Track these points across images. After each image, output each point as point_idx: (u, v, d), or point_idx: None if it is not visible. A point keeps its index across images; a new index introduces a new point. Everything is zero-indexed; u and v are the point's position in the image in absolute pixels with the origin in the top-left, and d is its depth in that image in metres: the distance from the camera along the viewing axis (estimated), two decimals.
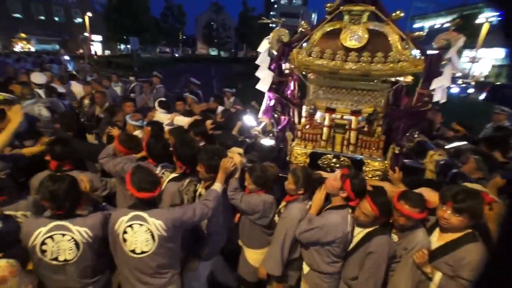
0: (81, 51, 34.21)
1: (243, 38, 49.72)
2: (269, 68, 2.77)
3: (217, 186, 2.42)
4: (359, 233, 2.29)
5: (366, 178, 2.76)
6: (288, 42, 2.77)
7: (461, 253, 1.89)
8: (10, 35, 33.85)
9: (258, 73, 2.81)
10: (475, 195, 1.90)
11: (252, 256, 2.75)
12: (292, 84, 3.14)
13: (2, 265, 1.69)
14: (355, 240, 2.30)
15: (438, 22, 34.33)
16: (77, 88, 6.90)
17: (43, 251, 1.92)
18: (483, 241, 1.90)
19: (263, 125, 3.50)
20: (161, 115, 4.30)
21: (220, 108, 5.31)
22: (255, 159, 3.18)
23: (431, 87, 2.29)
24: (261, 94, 3.09)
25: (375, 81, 2.70)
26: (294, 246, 2.52)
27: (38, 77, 5.90)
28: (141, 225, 1.98)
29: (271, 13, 67.97)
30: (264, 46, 2.83)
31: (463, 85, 22.00)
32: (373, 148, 2.82)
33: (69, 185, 1.96)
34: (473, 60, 26.69)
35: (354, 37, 2.55)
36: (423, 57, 2.37)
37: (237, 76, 23.88)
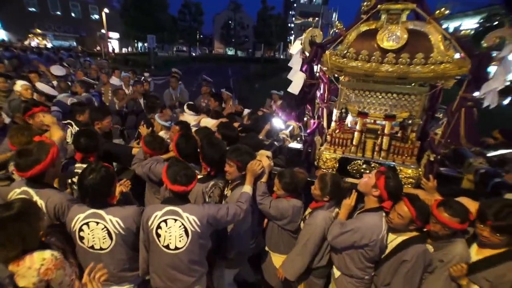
0: (98, 48, 34.40)
1: (261, 37, 49.40)
2: (301, 70, 2.67)
3: (247, 188, 2.38)
4: (393, 240, 2.20)
5: None
6: (321, 43, 2.66)
7: (502, 270, 1.81)
8: (25, 30, 33.11)
9: (290, 76, 2.71)
10: None
11: (279, 261, 2.69)
12: (322, 87, 3.01)
13: (46, 257, 1.66)
14: (389, 247, 2.21)
15: (464, 23, 32.24)
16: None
17: (81, 238, 2.00)
18: None
19: (291, 129, 3.40)
20: (189, 117, 4.38)
21: (246, 111, 5.31)
22: (282, 163, 3.10)
23: (482, 91, 2.11)
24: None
25: (413, 84, 2.55)
26: (320, 253, 2.47)
27: (57, 70, 6.58)
28: (175, 220, 1.98)
29: (290, 12, 67.51)
30: (296, 47, 2.73)
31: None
32: (406, 155, 2.70)
33: (100, 177, 1.97)
34: None
35: (392, 37, 2.42)
36: (469, 58, 2.19)
37: (255, 76, 23.83)
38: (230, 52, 62.97)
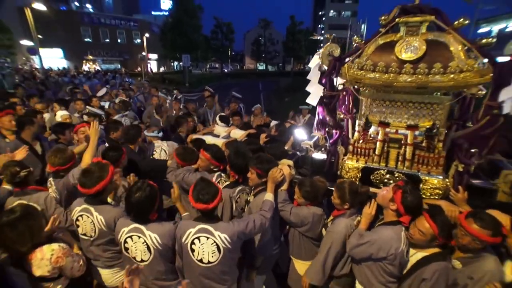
0: (139, 69, 37.32)
1: (290, 52, 50.04)
2: (319, 83, 2.77)
3: (269, 196, 2.47)
4: (414, 255, 2.15)
5: (424, 196, 2.61)
6: (340, 57, 2.75)
7: None
8: (81, 57, 39.54)
9: (308, 88, 2.82)
10: None
11: (301, 267, 2.74)
12: (346, 98, 3.07)
13: (55, 248, 1.96)
14: (410, 263, 2.15)
15: (510, 24, 30.07)
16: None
17: (126, 249, 2.21)
18: None
19: (316, 139, 3.48)
20: (219, 128, 4.70)
21: (273, 122, 5.55)
22: (307, 173, 3.17)
23: (500, 99, 2.06)
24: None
25: (435, 93, 2.54)
26: (342, 261, 2.48)
27: (100, 92, 7.74)
28: (207, 238, 2.09)
29: (319, 26, 67.81)
30: (315, 61, 2.85)
31: None
32: (432, 165, 2.65)
33: (145, 195, 2.12)
34: None
35: (410, 48, 2.46)
36: (491, 66, 2.15)
37: (285, 90, 24.07)
38: (261, 67, 64.34)
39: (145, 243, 2.16)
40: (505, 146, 3.33)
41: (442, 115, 2.58)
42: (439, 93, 2.59)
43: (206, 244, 2.10)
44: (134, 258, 2.20)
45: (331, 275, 2.49)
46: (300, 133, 3.77)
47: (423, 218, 2.00)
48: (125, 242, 2.19)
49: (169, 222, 2.29)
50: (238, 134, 4.42)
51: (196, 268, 2.15)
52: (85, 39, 41.21)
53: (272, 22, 55.03)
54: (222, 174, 3.14)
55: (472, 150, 2.44)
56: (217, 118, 5.17)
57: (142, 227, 2.17)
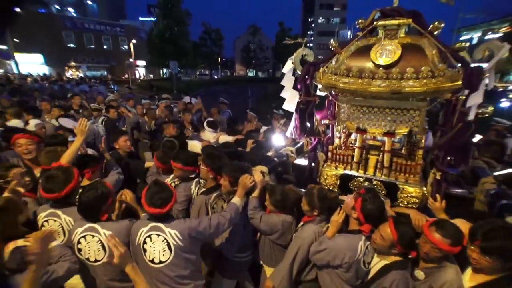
0: (126, 76, 36.84)
1: (280, 58, 50.50)
2: (295, 88, 2.68)
3: (236, 200, 2.43)
4: (377, 263, 2.12)
5: (401, 205, 2.53)
6: (314, 62, 2.66)
7: None
8: (64, 63, 37.94)
9: (283, 94, 2.74)
10: (509, 233, 1.60)
11: None
12: (332, 104, 2.97)
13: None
14: (373, 271, 2.12)
15: (489, 32, 31.74)
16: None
17: (79, 250, 2.12)
18: None
19: (300, 145, 3.40)
20: (208, 134, 4.73)
21: (264, 128, 5.53)
22: (292, 179, 3.09)
23: (467, 105, 1.99)
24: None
25: (410, 99, 2.47)
26: (309, 267, 2.42)
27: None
28: (158, 235, 2.05)
29: (309, 32, 68.57)
30: (288, 66, 2.78)
31: None
32: (410, 173, 2.57)
33: (96, 194, 2.10)
34: None
35: (384, 52, 2.38)
36: (463, 71, 2.05)
37: (273, 95, 24.17)
38: (251, 73, 64.52)
39: (99, 242, 2.09)
40: (498, 151, 3.33)
41: (419, 122, 2.49)
42: (415, 99, 2.51)
43: (157, 242, 2.05)
44: (88, 259, 2.12)
45: (297, 280, 2.41)
46: (276, 139, 3.68)
47: (387, 224, 1.99)
48: (78, 243, 2.11)
49: (125, 220, 2.23)
50: (227, 139, 4.43)
51: (150, 271, 2.07)
52: (68, 45, 39.32)
53: (261, 28, 55.63)
54: (200, 181, 3.06)
55: (448, 158, 2.37)
56: (205, 124, 5.13)
57: (96, 226, 2.11)
